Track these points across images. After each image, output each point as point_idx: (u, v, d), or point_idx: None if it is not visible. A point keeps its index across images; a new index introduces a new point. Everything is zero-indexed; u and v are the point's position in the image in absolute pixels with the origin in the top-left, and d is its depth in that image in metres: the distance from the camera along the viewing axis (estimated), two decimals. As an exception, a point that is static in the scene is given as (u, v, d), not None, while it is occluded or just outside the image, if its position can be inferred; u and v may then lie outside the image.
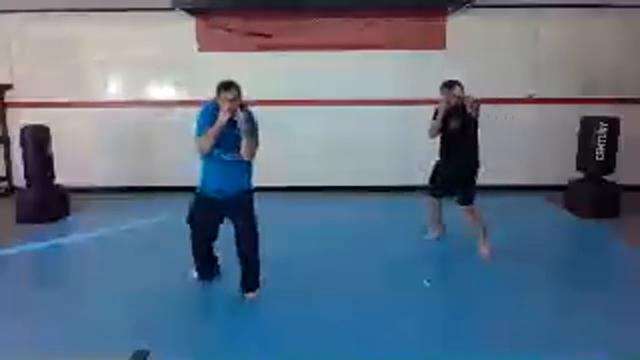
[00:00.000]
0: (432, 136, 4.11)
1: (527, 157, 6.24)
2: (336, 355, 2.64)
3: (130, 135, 6.28)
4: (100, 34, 6.11)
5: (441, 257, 4.17)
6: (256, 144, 3.14)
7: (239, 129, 2.99)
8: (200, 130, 3.07)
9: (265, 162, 5.75)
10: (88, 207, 5.64)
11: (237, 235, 3.23)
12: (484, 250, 4.02)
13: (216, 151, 3.07)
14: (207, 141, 3.02)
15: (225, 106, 2.98)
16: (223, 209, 3.21)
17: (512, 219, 4.67)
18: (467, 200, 4.02)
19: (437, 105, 4.07)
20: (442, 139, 4.10)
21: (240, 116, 2.97)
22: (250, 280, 3.30)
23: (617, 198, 5.17)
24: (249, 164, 3.20)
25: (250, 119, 3.04)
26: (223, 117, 2.97)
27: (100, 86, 6.28)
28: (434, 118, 4.08)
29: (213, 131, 2.99)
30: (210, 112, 3.07)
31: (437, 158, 4.23)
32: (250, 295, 3.27)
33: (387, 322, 2.97)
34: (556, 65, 6.11)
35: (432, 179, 4.27)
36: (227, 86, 3.03)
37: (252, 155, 3.12)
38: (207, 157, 3.11)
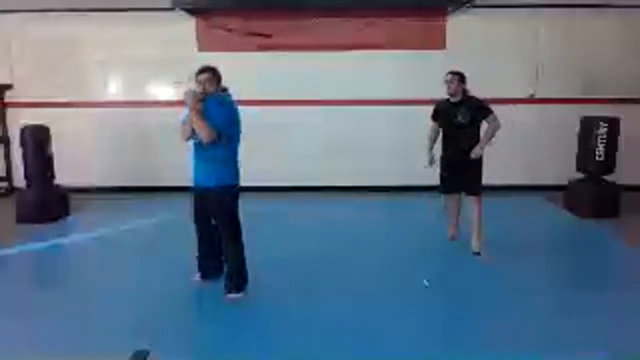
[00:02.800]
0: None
1: (527, 157, 6.24)
2: (336, 355, 2.64)
3: (130, 135, 6.29)
4: (100, 34, 6.11)
5: (441, 257, 4.16)
6: (209, 128, 3.05)
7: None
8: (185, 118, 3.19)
9: (266, 162, 5.82)
10: (88, 207, 5.64)
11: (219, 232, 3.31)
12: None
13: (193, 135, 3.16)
14: (183, 128, 3.15)
15: (198, 87, 3.09)
16: (206, 202, 3.23)
17: (512, 219, 4.67)
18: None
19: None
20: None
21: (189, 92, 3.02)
22: (229, 280, 3.30)
23: (617, 198, 5.17)
24: (222, 156, 3.15)
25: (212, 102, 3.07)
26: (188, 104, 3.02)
27: (100, 86, 6.29)
28: (432, 117, 4.20)
29: (188, 119, 3.09)
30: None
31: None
32: (230, 296, 3.26)
33: (387, 322, 2.97)
34: (556, 65, 6.11)
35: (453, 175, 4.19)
36: (200, 70, 3.14)
37: (205, 135, 3.03)
38: (192, 142, 3.21)
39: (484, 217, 4.08)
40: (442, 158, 4.19)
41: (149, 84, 6.33)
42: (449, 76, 3.99)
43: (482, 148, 3.95)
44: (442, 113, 4.14)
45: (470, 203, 4.14)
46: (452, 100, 4.04)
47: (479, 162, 4.04)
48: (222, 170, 3.19)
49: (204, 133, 3.03)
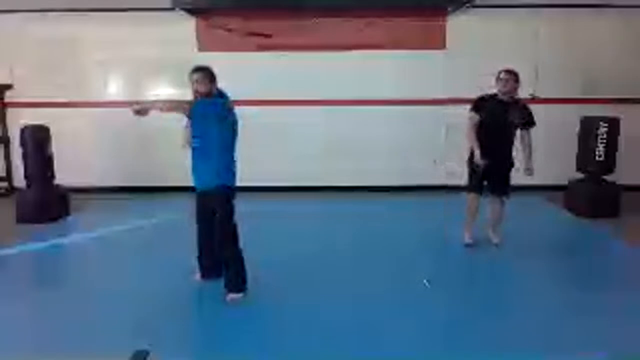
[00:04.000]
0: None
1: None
2: (336, 355, 2.64)
3: (130, 136, 6.28)
4: (100, 34, 6.11)
5: (441, 257, 4.16)
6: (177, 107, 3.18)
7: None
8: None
9: (265, 162, 5.82)
10: (88, 207, 5.64)
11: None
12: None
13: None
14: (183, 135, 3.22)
15: (192, 87, 3.11)
16: (207, 203, 3.24)
17: (512, 219, 4.66)
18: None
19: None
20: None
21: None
22: (229, 280, 3.29)
23: (617, 198, 5.17)
24: (218, 158, 3.16)
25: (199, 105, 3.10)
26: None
27: (100, 86, 6.29)
28: (473, 109, 4.05)
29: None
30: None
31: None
32: (230, 296, 3.25)
33: (387, 322, 2.97)
34: (556, 65, 6.11)
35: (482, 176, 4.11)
36: (193, 69, 3.14)
37: (165, 107, 3.22)
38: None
39: (484, 217, 4.08)
40: (481, 156, 4.04)
41: (149, 84, 6.32)
42: (505, 74, 3.91)
43: (531, 159, 4.00)
44: (488, 109, 3.98)
45: (496, 203, 4.19)
46: (503, 98, 3.96)
47: (512, 164, 4.10)
48: (220, 173, 3.19)
49: (165, 107, 3.18)
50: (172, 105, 3.30)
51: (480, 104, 4.03)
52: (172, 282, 3.53)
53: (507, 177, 4.14)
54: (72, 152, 5.98)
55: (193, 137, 3.14)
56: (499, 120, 3.94)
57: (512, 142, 4.06)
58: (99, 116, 6.30)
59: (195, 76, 3.09)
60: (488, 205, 4.29)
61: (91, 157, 6.31)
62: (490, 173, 4.09)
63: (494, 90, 4.01)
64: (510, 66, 3.97)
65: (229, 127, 3.19)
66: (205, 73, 3.12)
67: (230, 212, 3.24)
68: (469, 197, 4.22)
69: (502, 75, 3.93)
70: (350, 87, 6.15)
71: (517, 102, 4.00)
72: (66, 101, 6.20)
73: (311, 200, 5.93)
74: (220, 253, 3.29)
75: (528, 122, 3.99)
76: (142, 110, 3.05)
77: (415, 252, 4.17)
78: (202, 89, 3.09)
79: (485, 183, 4.15)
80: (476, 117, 4.00)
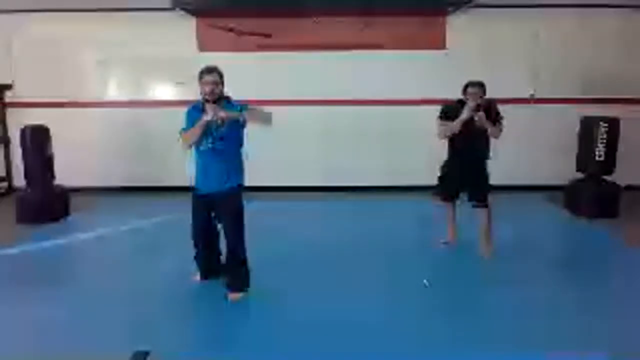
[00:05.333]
0: (447, 137, 4.01)
1: (527, 157, 6.23)
2: (336, 355, 2.64)
3: (130, 136, 6.29)
4: (100, 34, 6.11)
5: (440, 257, 4.16)
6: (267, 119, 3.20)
7: (216, 120, 3.02)
8: (185, 127, 3.18)
9: (265, 162, 5.82)
10: (88, 207, 5.64)
11: (224, 232, 3.29)
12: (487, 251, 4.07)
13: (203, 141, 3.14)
14: (192, 136, 3.09)
15: (206, 89, 3.06)
16: (211, 204, 3.23)
17: (512, 218, 4.67)
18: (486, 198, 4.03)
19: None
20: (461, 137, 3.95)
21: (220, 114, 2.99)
22: (233, 279, 3.30)
23: (616, 198, 5.17)
24: (234, 158, 3.19)
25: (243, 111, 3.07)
26: (205, 117, 3.02)
27: (100, 86, 6.29)
28: (442, 117, 4.01)
29: (198, 127, 3.04)
30: (197, 109, 3.15)
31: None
32: (232, 296, 3.25)
33: (387, 322, 2.97)
34: (556, 65, 6.12)
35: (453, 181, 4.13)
36: (207, 70, 3.10)
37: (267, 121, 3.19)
38: (195, 148, 3.18)
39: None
40: (452, 163, 4.11)
41: (149, 84, 6.33)
42: (471, 89, 3.83)
43: (485, 121, 3.80)
44: (457, 117, 3.93)
45: (481, 212, 4.07)
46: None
47: (486, 169, 4.03)
48: (236, 172, 3.23)
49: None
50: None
51: (447, 113, 3.99)
52: (172, 282, 3.53)
53: (483, 184, 4.05)
54: (72, 152, 5.97)
55: (214, 139, 3.11)
56: (467, 126, 3.85)
57: (483, 147, 3.98)
58: (99, 116, 6.30)
59: (211, 78, 3.06)
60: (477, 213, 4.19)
61: (91, 157, 6.31)
62: (465, 180, 4.05)
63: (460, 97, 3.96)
64: (477, 79, 3.89)
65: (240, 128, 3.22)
66: (221, 73, 3.13)
67: (242, 211, 3.26)
68: (445, 206, 4.27)
69: (469, 90, 3.85)
70: (350, 87, 6.15)
71: (489, 103, 3.92)
72: (66, 101, 6.21)
73: (311, 200, 5.93)
74: (235, 253, 3.26)
75: (497, 120, 3.92)
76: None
77: (415, 253, 4.17)
78: (220, 89, 3.09)
79: (459, 189, 4.12)
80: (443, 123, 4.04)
